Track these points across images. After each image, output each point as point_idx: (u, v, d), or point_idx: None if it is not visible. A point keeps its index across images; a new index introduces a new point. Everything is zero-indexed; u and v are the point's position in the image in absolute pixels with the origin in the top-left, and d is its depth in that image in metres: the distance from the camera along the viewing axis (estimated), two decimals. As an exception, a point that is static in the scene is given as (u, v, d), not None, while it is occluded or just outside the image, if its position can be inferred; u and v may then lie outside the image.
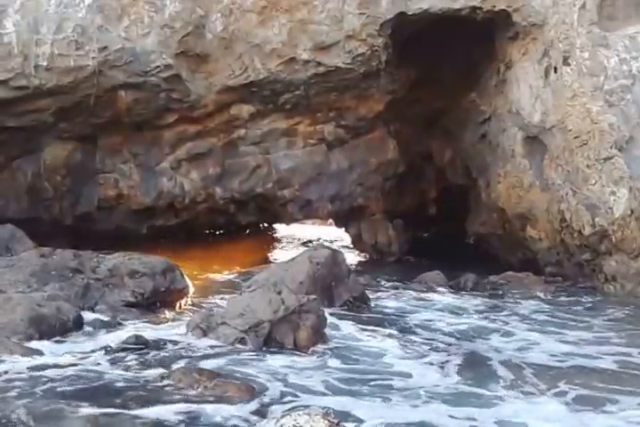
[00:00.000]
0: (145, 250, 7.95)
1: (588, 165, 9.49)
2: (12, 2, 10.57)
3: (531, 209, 10.84)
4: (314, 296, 6.21)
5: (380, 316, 7.36)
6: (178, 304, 7.06)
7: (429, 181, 14.38)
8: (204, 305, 7.32)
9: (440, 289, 9.37)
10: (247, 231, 15.62)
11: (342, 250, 8.75)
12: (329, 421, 3.09)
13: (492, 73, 11.54)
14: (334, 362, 5.26)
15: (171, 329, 6.02)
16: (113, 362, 4.90)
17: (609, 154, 9.27)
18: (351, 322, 6.72)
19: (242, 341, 5.50)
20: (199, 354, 5.23)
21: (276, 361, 5.13)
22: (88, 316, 6.16)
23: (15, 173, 11.63)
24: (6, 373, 4.49)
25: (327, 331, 6.02)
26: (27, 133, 11.26)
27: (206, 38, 11.16)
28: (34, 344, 5.24)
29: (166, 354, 5.19)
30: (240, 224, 13.78)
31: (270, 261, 11.78)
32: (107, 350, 5.22)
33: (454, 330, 6.74)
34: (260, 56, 11.31)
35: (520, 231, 11.24)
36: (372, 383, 4.70)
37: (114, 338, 5.52)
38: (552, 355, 5.78)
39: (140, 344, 5.29)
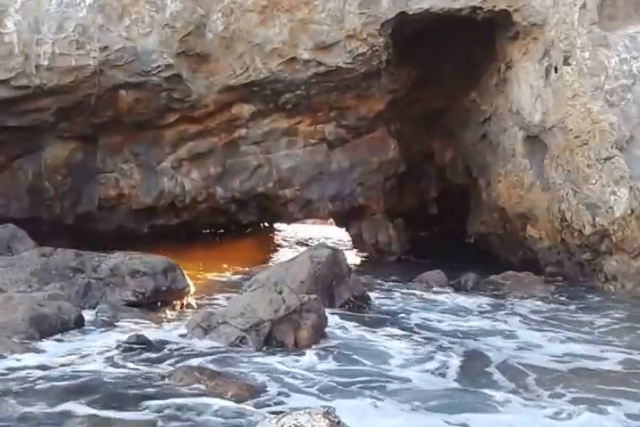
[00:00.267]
0: (146, 249, 7.95)
1: (588, 165, 9.50)
2: (13, 1, 10.58)
3: (531, 209, 10.85)
4: (315, 296, 6.21)
5: (380, 315, 7.38)
6: (179, 304, 7.06)
7: (430, 181, 14.41)
8: (204, 305, 7.33)
9: (440, 289, 9.40)
10: (248, 231, 15.63)
11: (341, 248, 8.73)
12: (330, 420, 3.07)
13: (493, 73, 11.54)
14: (335, 362, 5.25)
15: (172, 329, 6.03)
16: (114, 361, 4.89)
17: (609, 154, 9.27)
18: (352, 321, 6.72)
19: (242, 340, 5.49)
20: (200, 353, 5.23)
21: (277, 361, 5.13)
22: (89, 315, 6.16)
23: (16, 173, 11.64)
24: (7, 372, 4.50)
25: (328, 330, 6.03)
26: (27, 133, 11.27)
27: (207, 38, 11.17)
28: (35, 344, 5.24)
29: (167, 353, 5.20)
30: (241, 224, 13.81)
31: (271, 261, 11.78)
32: (108, 349, 5.22)
33: (454, 330, 6.74)
34: (261, 56, 11.33)
35: (520, 231, 11.24)
36: (372, 385, 4.69)
37: (115, 337, 5.52)
38: (552, 355, 5.77)
39: (141, 344, 5.30)
